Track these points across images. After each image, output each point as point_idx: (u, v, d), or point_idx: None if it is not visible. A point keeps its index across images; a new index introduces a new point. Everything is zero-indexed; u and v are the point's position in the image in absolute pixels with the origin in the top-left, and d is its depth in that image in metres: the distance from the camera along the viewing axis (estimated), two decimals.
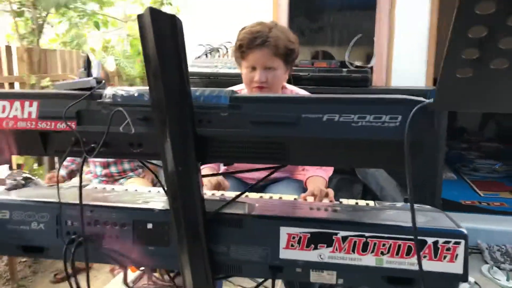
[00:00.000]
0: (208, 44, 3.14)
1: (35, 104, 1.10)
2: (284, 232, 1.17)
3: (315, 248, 1.16)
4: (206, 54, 3.11)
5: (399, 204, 1.46)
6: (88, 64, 1.20)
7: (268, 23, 1.86)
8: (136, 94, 1.08)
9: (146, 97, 1.06)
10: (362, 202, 1.51)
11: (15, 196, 1.32)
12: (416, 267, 1.12)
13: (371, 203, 1.50)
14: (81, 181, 1.11)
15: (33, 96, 1.11)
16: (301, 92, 1.97)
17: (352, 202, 1.52)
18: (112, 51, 5.12)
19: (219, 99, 1.04)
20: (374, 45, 3.32)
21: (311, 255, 1.16)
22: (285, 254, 1.17)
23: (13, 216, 1.27)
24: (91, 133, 1.08)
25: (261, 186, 1.96)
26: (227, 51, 3.11)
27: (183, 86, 0.96)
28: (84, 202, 1.26)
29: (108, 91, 1.09)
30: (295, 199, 1.55)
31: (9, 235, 1.28)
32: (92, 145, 1.07)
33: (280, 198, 1.55)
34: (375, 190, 2.86)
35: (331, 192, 1.60)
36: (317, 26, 3.47)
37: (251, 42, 1.77)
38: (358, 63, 2.94)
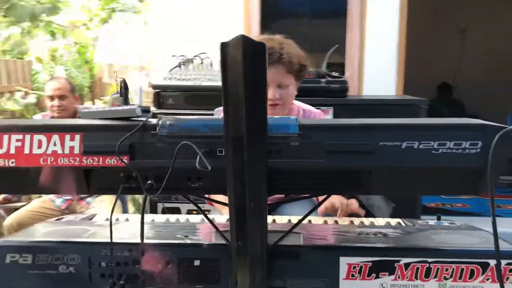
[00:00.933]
0: (182, 55, 3.02)
1: (77, 137, 0.98)
2: (344, 262, 1.12)
3: (377, 277, 1.11)
4: (180, 66, 3.00)
5: (431, 222, 1.46)
6: (125, 89, 1.09)
7: (277, 37, 1.79)
8: (196, 125, 0.99)
9: (209, 127, 0.98)
10: (392, 221, 1.49)
11: (37, 236, 1.17)
12: None
13: (401, 222, 1.48)
14: (143, 218, 0.99)
15: (74, 128, 0.98)
16: (307, 107, 1.93)
17: (381, 221, 1.50)
18: (61, 60, 4.84)
19: (288, 128, 0.98)
20: (345, 54, 3.35)
21: (372, 285, 1.12)
22: (345, 285, 1.12)
23: (37, 261, 1.13)
24: (145, 168, 0.98)
25: (273, 206, 1.89)
26: (202, 62, 3.01)
27: (264, 116, 0.88)
28: (117, 240, 1.15)
29: (163, 122, 0.99)
30: (335, 222, 1.51)
31: (32, 282, 1.13)
32: (149, 182, 0.96)
33: (310, 221, 1.50)
34: (361, 199, 2.88)
35: (355, 204, 1.57)
36: (288, 35, 3.44)
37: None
38: (335, 73, 2.94)
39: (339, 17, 3.33)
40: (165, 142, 0.98)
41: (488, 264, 1.10)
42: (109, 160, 0.97)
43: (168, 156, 0.97)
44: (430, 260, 1.11)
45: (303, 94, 2.88)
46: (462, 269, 1.11)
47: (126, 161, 0.97)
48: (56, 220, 1.41)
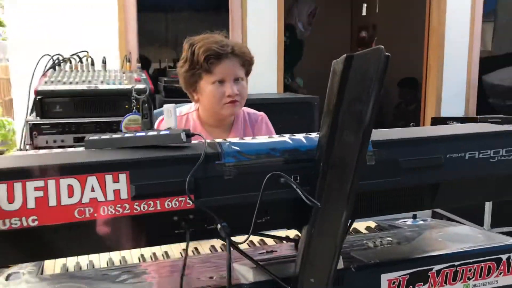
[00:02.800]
0: (58, 54, 2.57)
1: (122, 177, 0.74)
2: (385, 279, 1.07)
3: None
4: (54, 66, 2.55)
5: (409, 222, 1.50)
6: (149, 109, 0.87)
7: (217, 35, 1.65)
8: (264, 149, 0.83)
9: (279, 151, 0.83)
10: (372, 225, 1.49)
11: None
12: (492, 285, 1.17)
13: (380, 224, 1.49)
14: (229, 275, 0.80)
15: (116, 166, 0.74)
16: (251, 110, 1.80)
17: (362, 226, 1.48)
18: None
19: None
20: None
21: None
22: None
23: None
24: (211, 207, 0.79)
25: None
26: (80, 62, 2.61)
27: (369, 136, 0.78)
28: None
29: (227, 149, 0.81)
30: None
31: None
32: (223, 224, 0.78)
33: None
34: None
35: None
36: (167, 28, 3.23)
37: (221, 52, 1.56)
38: None
39: (221, 10, 3.23)
40: (233, 173, 0.80)
41: (501, 259, 1.17)
42: (169, 203, 0.76)
43: (236, 190, 0.81)
44: (457, 263, 1.13)
45: None
46: (482, 268, 1.15)
47: (191, 202, 0.77)
48: (6, 278, 1.07)
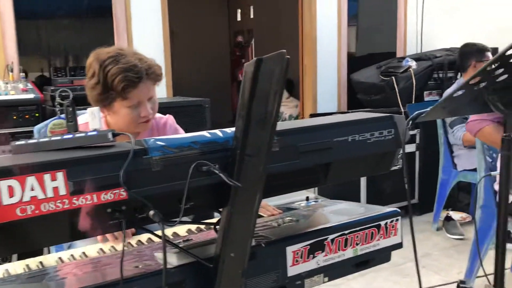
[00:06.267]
0: None
1: (59, 175, 0.80)
2: (290, 251, 1.24)
3: (313, 257, 1.28)
4: None
5: (303, 204, 1.69)
6: (73, 113, 0.93)
7: (128, 50, 1.58)
8: (185, 143, 0.94)
9: (198, 144, 0.95)
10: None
11: None
12: (375, 248, 1.40)
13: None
14: (165, 256, 0.88)
15: (54, 165, 0.81)
16: (157, 115, 1.82)
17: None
18: None
19: None
20: None
21: (311, 265, 1.27)
22: (292, 271, 1.24)
23: None
24: (143, 197, 0.88)
25: None
26: None
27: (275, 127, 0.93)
28: None
29: (153, 144, 0.91)
30: None
31: None
32: (152, 211, 0.88)
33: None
34: None
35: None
36: (48, 36, 3.13)
37: (137, 80, 1.54)
38: None
39: (105, 19, 3.22)
40: (160, 165, 0.90)
41: (380, 225, 1.40)
42: (105, 196, 0.84)
43: (163, 180, 0.91)
44: (346, 232, 1.33)
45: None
46: (366, 234, 1.37)
47: (124, 194, 0.85)
48: None
